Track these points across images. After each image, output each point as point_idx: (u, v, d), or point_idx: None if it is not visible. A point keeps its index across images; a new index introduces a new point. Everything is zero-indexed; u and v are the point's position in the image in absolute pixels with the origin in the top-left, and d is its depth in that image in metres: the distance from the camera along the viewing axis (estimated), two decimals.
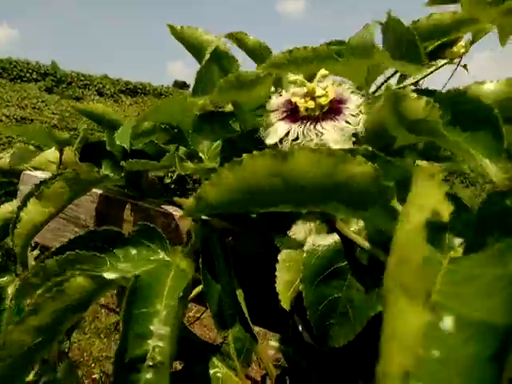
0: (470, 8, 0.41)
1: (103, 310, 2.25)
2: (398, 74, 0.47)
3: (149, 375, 0.28)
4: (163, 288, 0.33)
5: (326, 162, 0.23)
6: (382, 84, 0.44)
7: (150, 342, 0.29)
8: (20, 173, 0.63)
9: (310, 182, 0.24)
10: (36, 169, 0.61)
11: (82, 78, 15.38)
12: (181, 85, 20.02)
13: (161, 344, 0.29)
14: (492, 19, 0.41)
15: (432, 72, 0.44)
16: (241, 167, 0.24)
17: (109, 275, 0.33)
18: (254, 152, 0.24)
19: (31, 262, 0.75)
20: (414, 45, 0.30)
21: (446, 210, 0.14)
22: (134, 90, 16.12)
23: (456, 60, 0.45)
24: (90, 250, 0.36)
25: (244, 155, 0.24)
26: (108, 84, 15.61)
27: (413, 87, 0.49)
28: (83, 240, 0.38)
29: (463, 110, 0.24)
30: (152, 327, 0.30)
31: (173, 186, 0.62)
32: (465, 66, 0.53)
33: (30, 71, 14.62)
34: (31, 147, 0.73)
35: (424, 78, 0.47)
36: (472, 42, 0.40)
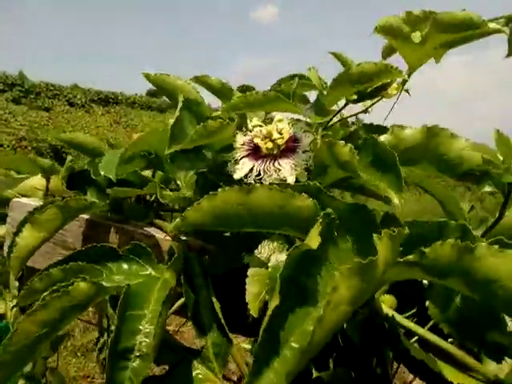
0: (400, 49, 0.48)
1: (78, 329, 2.20)
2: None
3: (136, 363, 0.36)
4: (151, 297, 0.41)
5: (279, 197, 0.31)
6: (334, 115, 0.51)
7: (138, 337, 0.37)
8: (5, 199, 0.67)
9: (267, 210, 0.32)
10: (22, 195, 0.65)
11: (52, 88, 15.10)
12: (154, 94, 19.91)
13: (147, 339, 0.37)
14: (420, 57, 0.49)
15: (370, 106, 0.52)
16: (215, 198, 0.33)
17: (106, 284, 0.41)
18: (227, 187, 0.32)
19: (14, 282, 0.79)
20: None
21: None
22: (105, 100, 15.94)
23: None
24: (90, 263, 0.43)
25: (219, 190, 0.32)
26: (79, 94, 15.38)
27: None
28: (82, 254, 0.45)
29: (377, 153, 0.33)
30: (140, 326, 0.38)
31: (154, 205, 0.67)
32: (407, 91, 0.61)
33: None
34: (13, 173, 0.76)
35: (371, 106, 0.56)
36: (403, 85, 0.48)
